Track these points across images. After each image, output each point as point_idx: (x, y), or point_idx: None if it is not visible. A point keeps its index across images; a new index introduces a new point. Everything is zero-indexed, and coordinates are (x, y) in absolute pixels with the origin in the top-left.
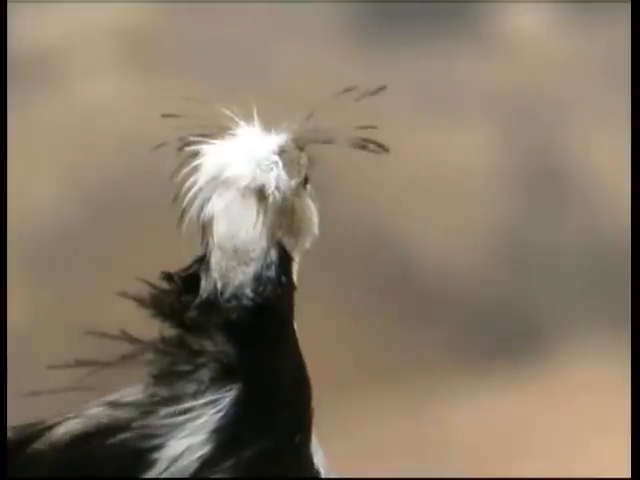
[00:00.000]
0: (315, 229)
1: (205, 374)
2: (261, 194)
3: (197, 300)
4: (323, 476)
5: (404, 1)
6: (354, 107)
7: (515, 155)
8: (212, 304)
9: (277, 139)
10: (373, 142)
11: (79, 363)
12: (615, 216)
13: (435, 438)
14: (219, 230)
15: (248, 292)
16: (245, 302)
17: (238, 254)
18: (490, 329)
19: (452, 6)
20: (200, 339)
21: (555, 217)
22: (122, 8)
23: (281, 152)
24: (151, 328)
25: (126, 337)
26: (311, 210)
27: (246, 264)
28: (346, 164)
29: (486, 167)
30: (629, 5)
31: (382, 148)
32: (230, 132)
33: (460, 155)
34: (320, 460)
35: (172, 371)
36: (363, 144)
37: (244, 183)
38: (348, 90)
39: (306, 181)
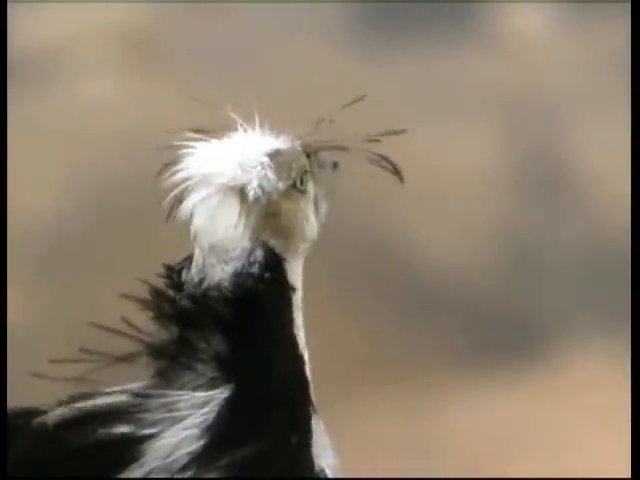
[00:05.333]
0: (311, 233)
1: (201, 370)
2: (244, 194)
3: (181, 294)
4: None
5: (405, 1)
6: (356, 110)
7: (516, 157)
8: (194, 298)
9: (275, 142)
10: (389, 162)
11: (81, 350)
12: (616, 216)
13: (435, 437)
14: (196, 227)
15: (227, 285)
16: (225, 293)
17: (216, 252)
18: (491, 329)
19: (452, 6)
20: (193, 335)
21: (556, 217)
22: (123, 8)
23: (274, 154)
24: (149, 325)
25: (126, 328)
26: (305, 214)
27: (225, 262)
28: (345, 166)
29: (487, 169)
30: (629, 5)
31: (397, 172)
32: (226, 133)
33: (460, 156)
34: (327, 461)
35: (168, 367)
36: (377, 160)
37: (223, 181)
38: (358, 100)
39: (302, 183)
